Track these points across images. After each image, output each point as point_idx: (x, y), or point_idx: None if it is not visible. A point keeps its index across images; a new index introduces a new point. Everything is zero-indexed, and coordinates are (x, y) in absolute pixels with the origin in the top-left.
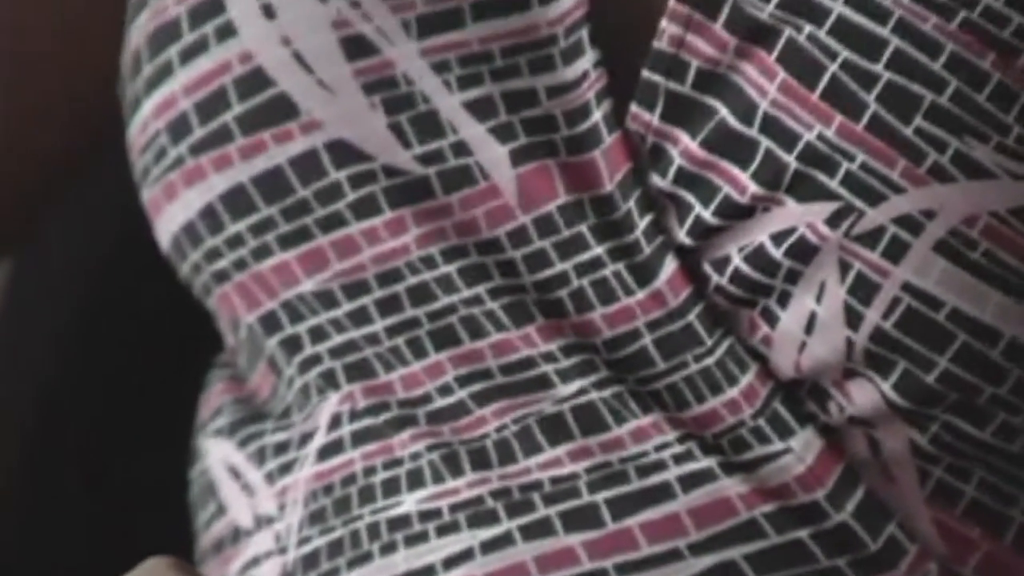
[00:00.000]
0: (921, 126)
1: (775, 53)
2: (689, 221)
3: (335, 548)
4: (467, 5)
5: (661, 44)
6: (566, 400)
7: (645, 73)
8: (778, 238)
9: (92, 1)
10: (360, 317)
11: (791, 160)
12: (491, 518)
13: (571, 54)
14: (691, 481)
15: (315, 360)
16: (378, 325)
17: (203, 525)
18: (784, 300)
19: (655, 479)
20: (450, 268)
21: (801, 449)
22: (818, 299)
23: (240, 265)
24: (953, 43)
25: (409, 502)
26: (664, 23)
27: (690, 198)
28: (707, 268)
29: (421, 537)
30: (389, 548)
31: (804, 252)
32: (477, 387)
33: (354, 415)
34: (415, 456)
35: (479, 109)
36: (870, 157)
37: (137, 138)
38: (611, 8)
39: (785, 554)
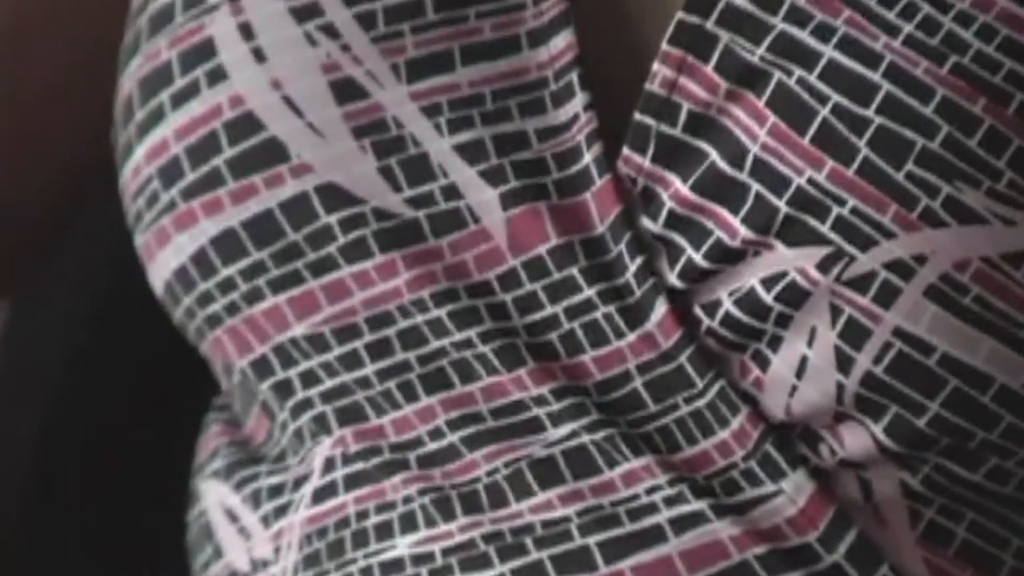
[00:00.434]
0: (912, 171)
1: (765, 97)
2: (680, 264)
3: None
4: (457, 48)
5: (653, 87)
6: (557, 443)
7: (637, 116)
8: (769, 282)
9: (82, 50)
10: (351, 361)
11: (781, 204)
12: (483, 562)
13: (562, 97)
14: (683, 524)
15: (307, 404)
16: (369, 369)
17: (200, 568)
18: (775, 344)
19: (647, 522)
20: (441, 312)
21: (793, 491)
22: (809, 343)
23: (232, 309)
24: (944, 88)
25: (402, 546)
26: (656, 65)
27: (681, 241)
28: (698, 311)
29: None
30: None
31: (795, 297)
32: (468, 431)
33: (346, 459)
34: (407, 500)
35: (470, 152)
36: (861, 202)
37: (130, 183)
38: (602, 50)
39: None
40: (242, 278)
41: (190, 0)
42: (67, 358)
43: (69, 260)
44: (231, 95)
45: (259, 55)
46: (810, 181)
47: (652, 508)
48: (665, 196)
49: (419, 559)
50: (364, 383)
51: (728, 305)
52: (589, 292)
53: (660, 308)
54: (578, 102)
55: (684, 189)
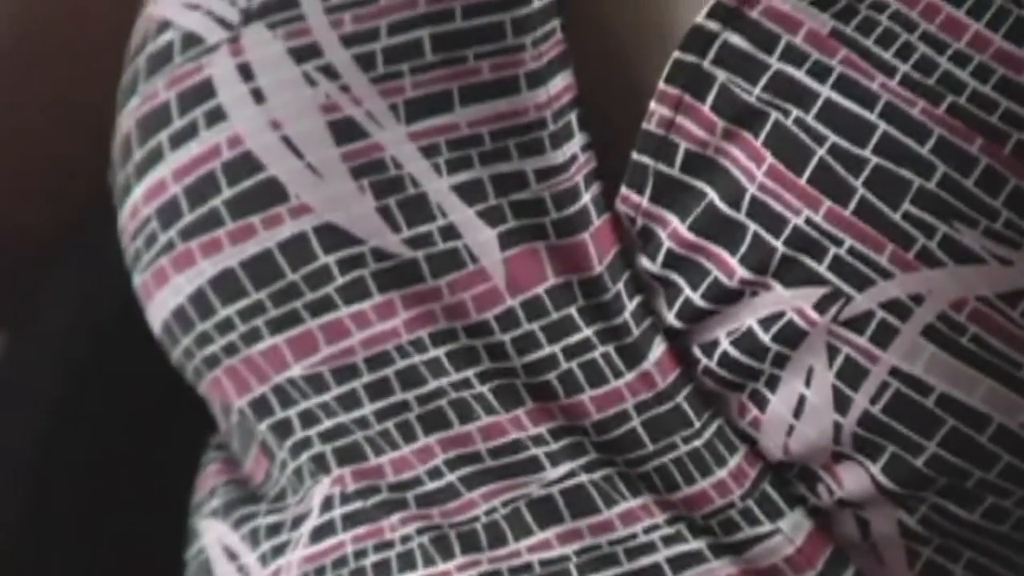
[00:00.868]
0: (909, 211)
1: (762, 137)
2: (678, 304)
3: None
4: (456, 88)
5: (650, 126)
6: (555, 483)
7: (635, 155)
8: (766, 323)
9: (80, 78)
10: (350, 401)
11: (779, 245)
12: None
13: (560, 137)
14: (681, 563)
15: (306, 444)
16: (367, 409)
17: None
18: (773, 384)
19: (645, 561)
20: (439, 352)
21: (791, 530)
22: (807, 383)
23: (230, 350)
24: (941, 128)
25: None
26: (653, 105)
27: (679, 281)
28: (696, 351)
29: None
30: None
31: (792, 337)
32: (467, 470)
33: (345, 498)
34: (405, 539)
35: (468, 192)
36: (858, 242)
37: (128, 223)
38: (600, 91)
39: None
40: (240, 318)
41: (189, 41)
42: (65, 383)
43: (67, 276)
44: (230, 135)
45: (258, 96)
46: (807, 221)
47: (650, 547)
48: (664, 236)
49: None
50: (363, 423)
51: (726, 345)
52: (587, 332)
53: (658, 348)
54: (577, 142)
55: (682, 229)
